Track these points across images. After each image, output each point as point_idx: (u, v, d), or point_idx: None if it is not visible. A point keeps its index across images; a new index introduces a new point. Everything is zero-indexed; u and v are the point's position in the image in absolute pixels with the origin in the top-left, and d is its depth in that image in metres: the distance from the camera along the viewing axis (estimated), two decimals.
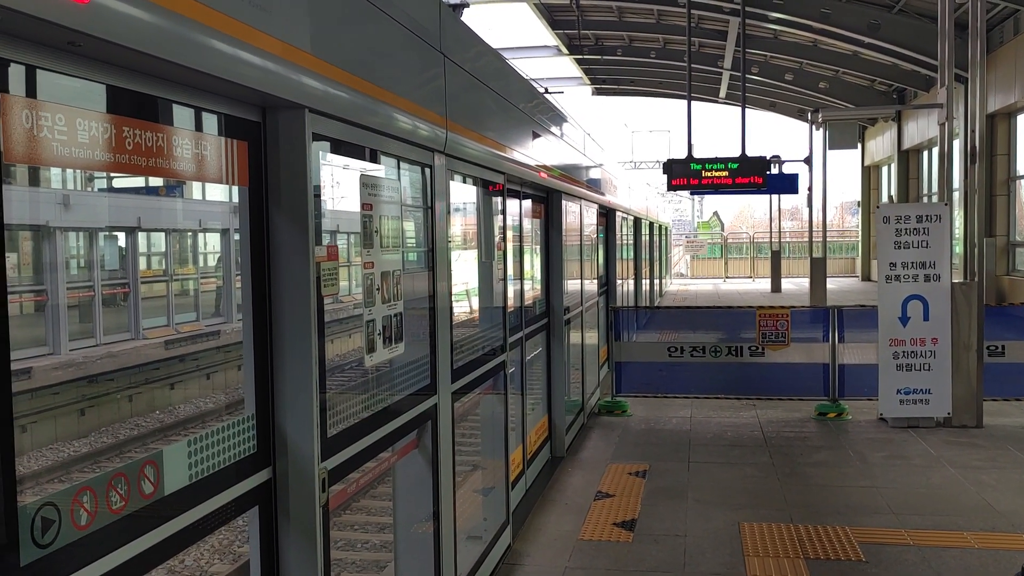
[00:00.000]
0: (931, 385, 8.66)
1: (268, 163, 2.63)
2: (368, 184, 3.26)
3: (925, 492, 6.59)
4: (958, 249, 9.52)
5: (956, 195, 9.65)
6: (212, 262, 18.97)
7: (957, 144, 10.38)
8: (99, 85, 1.95)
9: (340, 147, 3.05)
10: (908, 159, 27.53)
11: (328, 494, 2.80)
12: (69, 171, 12.69)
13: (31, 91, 1.75)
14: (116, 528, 2.00)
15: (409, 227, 3.89)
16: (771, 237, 34.63)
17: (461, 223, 5.24)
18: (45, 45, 1.75)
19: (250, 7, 2.28)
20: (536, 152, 6.52)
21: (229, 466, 2.47)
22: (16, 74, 1.71)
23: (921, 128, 24.90)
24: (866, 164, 32.48)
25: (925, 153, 26.33)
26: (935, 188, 21.08)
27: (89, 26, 1.69)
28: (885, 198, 29.72)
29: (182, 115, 2.27)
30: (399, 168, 3.75)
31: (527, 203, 6.96)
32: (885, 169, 30.90)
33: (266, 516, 2.69)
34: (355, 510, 7.65)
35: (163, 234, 16.71)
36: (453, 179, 4.45)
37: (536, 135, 6.60)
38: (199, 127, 2.34)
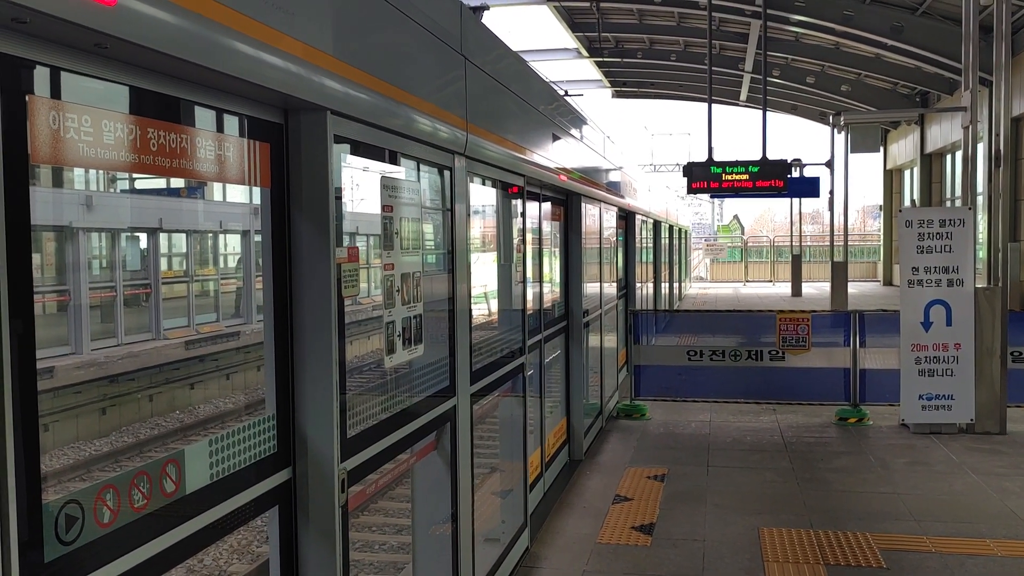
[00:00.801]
0: (954, 391, 8.59)
1: (290, 165, 2.65)
2: (389, 186, 3.28)
3: (947, 499, 6.53)
4: (982, 254, 9.44)
5: (980, 199, 9.57)
6: (232, 263, 19.08)
7: (981, 148, 10.28)
8: (125, 87, 1.96)
9: (361, 149, 3.06)
10: (931, 163, 27.32)
11: (347, 495, 2.81)
12: (92, 172, 12.81)
13: (58, 93, 1.77)
14: (138, 526, 2.01)
15: (429, 229, 3.90)
16: (792, 241, 34.46)
17: (480, 225, 5.24)
18: (72, 47, 1.76)
19: (273, 10, 2.30)
20: (556, 154, 6.52)
21: (250, 466, 2.48)
22: (43, 76, 1.72)
23: (944, 132, 24.71)
24: (888, 168, 32.26)
25: (948, 157, 26.13)
26: (958, 192, 20.86)
27: (115, 28, 1.71)
28: (907, 202, 29.50)
29: (206, 117, 2.28)
30: (419, 170, 3.76)
31: (546, 205, 6.95)
32: (908, 173, 30.68)
33: (286, 516, 2.70)
34: (373, 511, 7.66)
35: (184, 235, 16.83)
36: (473, 181, 4.46)
37: (556, 137, 6.59)
38: (222, 129, 2.36)
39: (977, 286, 8.70)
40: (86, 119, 1.81)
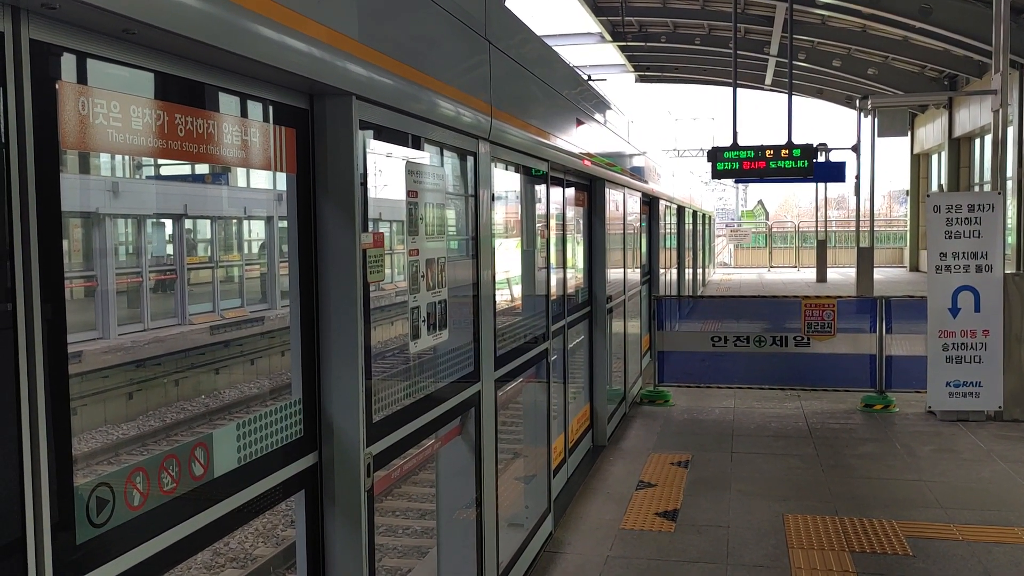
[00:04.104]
0: (982, 378, 8.50)
1: (315, 150, 2.65)
2: (414, 171, 3.27)
3: (974, 486, 6.47)
4: (1011, 239, 9.32)
5: (1010, 184, 9.44)
6: (256, 249, 19.19)
7: (1011, 131, 10.13)
8: (152, 72, 1.97)
9: (386, 134, 3.06)
10: (959, 147, 26.95)
11: (373, 479, 2.82)
12: (117, 159, 12.90)
13: (88, 79, 1.78)
14: (167, 509, 2.03)
15: (453, 215, 3.90)
16: (817, 226, 34.18)
17: (504, 211, 5.23)
18: (101, 33, 1.77)
19: None
20: (580, 140, 6.49)
21: (277, 450, 2.50)
22: (73, 62, 1.73)
23: (973, 115, 24.36)
24: (915, 152, 31.87)
25: (977, 141, 25.77)
26: (987, 177, 20.57)
27: (143, 14, 1.71)
28: (935, 187, 29.16)
29: (232, 102, 2.29)
30: (443, 155, 3.76)
31: (570, 191, 6.93)
32: (935, 157, 30.30)
33: (312, 500, 2.72)
34: (397, 496, 7.71)
35: (209, 221, 16.95)
36: (496, 166, 4.44)
37: (580, 122, 6.56)
38: (249, 114, 2.36)
39: (1006, 272, 8.59)
40: (115, 105, 1.81)
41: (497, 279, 4.41)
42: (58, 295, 1.68)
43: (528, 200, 5.62)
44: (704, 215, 24.84)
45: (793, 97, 16.76)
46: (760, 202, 58.61)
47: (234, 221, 18.06)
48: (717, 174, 15.52)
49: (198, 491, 2.15)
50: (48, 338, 1.66)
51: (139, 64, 1.91)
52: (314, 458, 2.70)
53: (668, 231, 14.60)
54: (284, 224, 2.68)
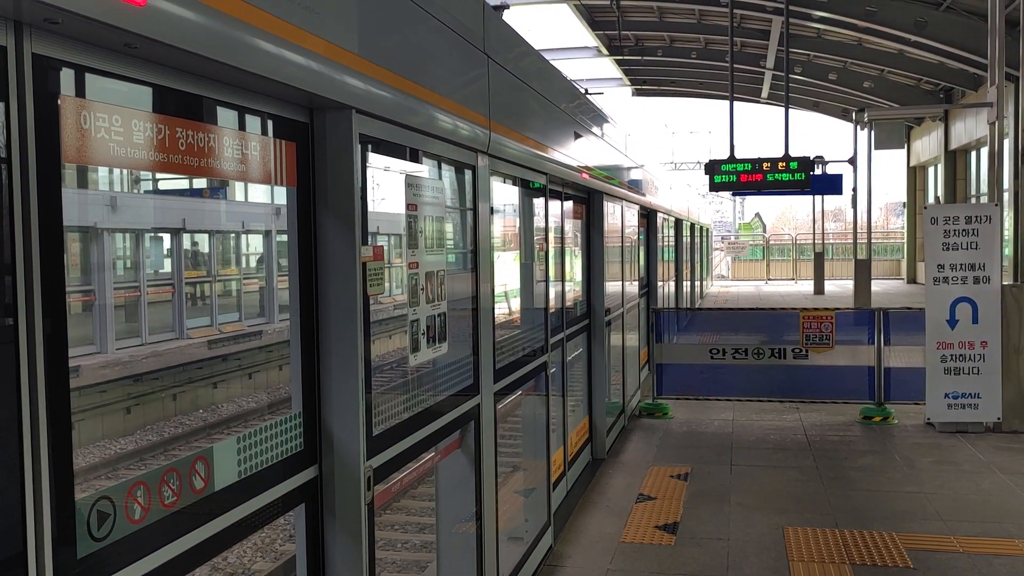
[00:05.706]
0: (980, 389, 8.50)
1: (316, 164, 2.66)
2: (413, 185, 3.28)
3: (974, 498, 6.46)
4: (1008, 251, 9.34)
5: (1006, 195, 9.47)
6: (255, 263, 19.17)
7: (1007, 143, 10.17)
8: (154, 87, 1.98)
9: (386, 147, 3.07)
10: (955, 159, 27.04)
11: (373, 492, 2.81)
12: (116, 173, 12.90)
13: (90, 93, 1.78)
14: (168, 523, 2.03)
15: (452, 228, 3.90)
16: (814, 239, 34.23)
17: (503, 224, 5.24)
18: (102, 47, 1.78)
19: (298, 8, 2.31)
20: (578, 153, 6.51)
21: (277, 463, 2.49)
22: (75, 76, 1.74)
23: (969, 128, 24.45)
24: (912, 164, 31.96)
25: (973, 153, 25.86)
26: (983, 189, 20.56)
27: (145, 28, 1.72)
28: (932, 199, 29.22)
29: (233, 116, 2.30)
30: (442, 169, 3.77)
31: (568, 204, 6.94)
32: (931, 170, 30.39)
33: (312, 513, 2.71)
34: (395, 510, 7.68)
35: (207, 235, 16.94)
36: (495, 179, 4.45)
37: (577, 136, 6.58)
38: (249, 128, 2.37)
39: (1004, 283, 8.61)
40: (116, 119, 1.82)
41: (496, 292, 4.41)
42: (59, 309, 1.68)
43: (527, 213, 5.63)
44: (702, 227, 24.88)
45: (789, 110, 16.79)
46: (757, 214, 58.74)
47: (232, 235, 18.05)
48: (714, 187, 15.54)
49: (198, 505, 2.14)
50: (49, 352, 1.66)
51: (140, 78, 1.92)
52: (314, 471, 2.69)
53: (666, 244, 14.61)
54: (282, 238, 2.69)
